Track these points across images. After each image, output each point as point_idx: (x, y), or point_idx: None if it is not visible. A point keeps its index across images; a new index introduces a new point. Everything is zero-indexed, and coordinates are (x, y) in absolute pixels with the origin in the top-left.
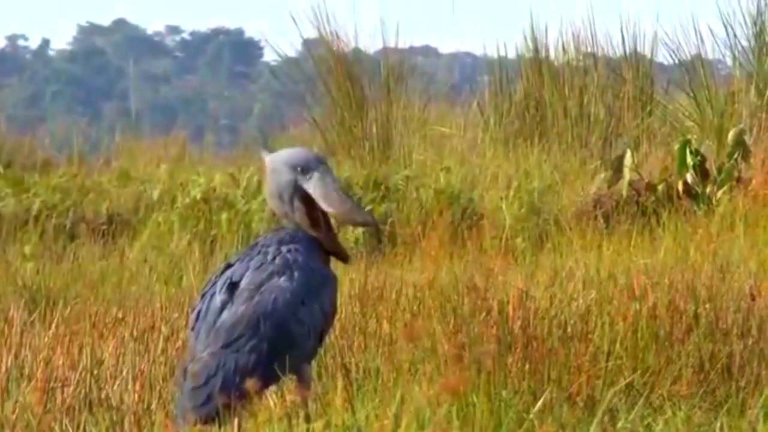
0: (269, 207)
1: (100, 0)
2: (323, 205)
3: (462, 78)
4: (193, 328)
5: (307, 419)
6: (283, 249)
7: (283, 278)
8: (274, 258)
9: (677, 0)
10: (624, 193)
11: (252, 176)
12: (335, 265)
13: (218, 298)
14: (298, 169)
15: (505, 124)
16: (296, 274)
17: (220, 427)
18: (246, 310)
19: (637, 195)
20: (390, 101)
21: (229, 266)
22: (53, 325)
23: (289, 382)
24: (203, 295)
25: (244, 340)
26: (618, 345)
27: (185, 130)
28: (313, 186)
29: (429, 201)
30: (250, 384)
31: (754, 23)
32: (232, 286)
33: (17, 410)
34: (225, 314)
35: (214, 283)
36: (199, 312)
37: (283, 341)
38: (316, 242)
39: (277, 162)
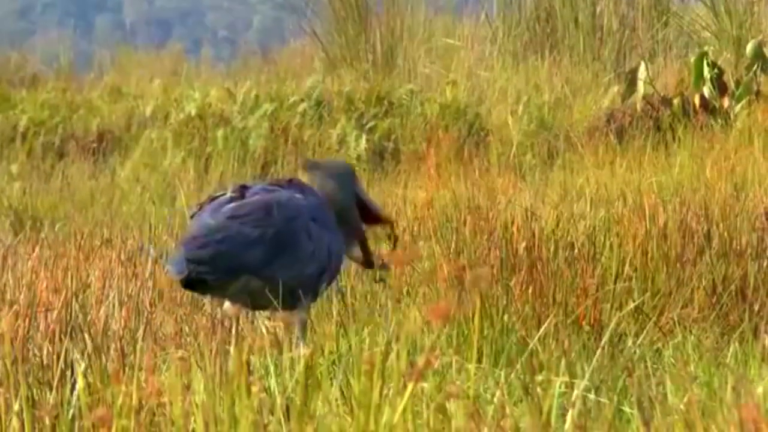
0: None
1: None
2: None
3: None
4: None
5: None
6: (298, 195)
7: (298, 195)
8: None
9: None
10: (638, 107)
11: (249, 91)
12: None
13: (228, 196)
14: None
15: (515, 36)
16: (310, 197)
17: (206, 295)
18: (259, 199)
19: (651, 109)
20: (394, 12)
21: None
22: (37, 248)
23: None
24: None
25: (252, 216)
26: (627, 266)
27: (181, 43)
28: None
29: (434, 116)
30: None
31: None
32: (244, 189)
33: None
34: (233, 204)
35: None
36: (201, 205)
37: (289, 241)
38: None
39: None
